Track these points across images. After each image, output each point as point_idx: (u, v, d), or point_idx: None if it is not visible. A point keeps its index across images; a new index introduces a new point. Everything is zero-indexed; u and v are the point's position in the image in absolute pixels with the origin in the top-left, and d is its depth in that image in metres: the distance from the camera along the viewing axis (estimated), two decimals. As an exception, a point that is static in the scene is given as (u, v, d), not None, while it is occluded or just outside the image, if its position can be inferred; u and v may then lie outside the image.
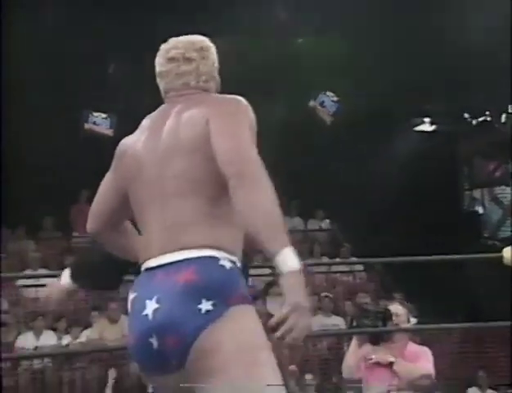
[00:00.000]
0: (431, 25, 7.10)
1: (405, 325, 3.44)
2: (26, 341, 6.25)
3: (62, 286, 2.27)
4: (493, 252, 3.65)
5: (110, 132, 7.25)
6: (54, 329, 6.44)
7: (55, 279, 2.33)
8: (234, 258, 1.61)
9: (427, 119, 8.68)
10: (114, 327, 6.21)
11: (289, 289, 1.44)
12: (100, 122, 7.39)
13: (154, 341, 1.56)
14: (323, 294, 7.06)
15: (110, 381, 5.95)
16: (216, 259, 1.58)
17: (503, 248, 3.14)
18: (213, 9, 6.85)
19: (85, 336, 6.31)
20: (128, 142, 1.79)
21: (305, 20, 7.52)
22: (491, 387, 6.36)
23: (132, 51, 7.27)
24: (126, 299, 1.71)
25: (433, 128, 8.71)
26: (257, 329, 1.57)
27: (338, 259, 7.13)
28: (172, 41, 1.81)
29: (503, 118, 8.09)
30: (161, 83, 1.80)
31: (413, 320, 3.52)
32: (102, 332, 6.23)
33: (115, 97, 7.55)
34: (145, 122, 1.79)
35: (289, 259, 1.44)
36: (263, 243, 1.48)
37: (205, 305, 1.53)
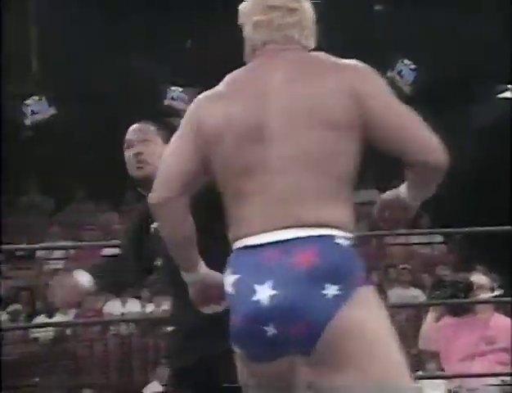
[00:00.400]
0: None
1: (488, 296, 3.33)
2: (113, 308, 6.56)
3: (81, 288, 2.13)
4: None
5: (187, 107, 7.34)
6: (138, 298, 6.71)
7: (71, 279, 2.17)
8: (350, 236, 1.48)
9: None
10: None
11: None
12: (178, 96, 7.51)
13: (270, 329, 1.43)
14: (401, 266, 6.97)
15: None
16: (333, 237, 1.44)
17: None
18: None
19: (167, 304, 6.54)
20: (208, 99, 1.56)
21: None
22: None
23: (209, 27, 7.32)
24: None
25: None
26: (384, 314, 1.48)
27: (416, 230, 7.01)
28: None
29: None
30: (256, 34, 1.57)
31: (498, 291, 3.40)
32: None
33: (193, 73, 7.65)
34: (232, 78, 1.56)
35: None
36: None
37: (331, 290, 1.42)
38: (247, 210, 1.48)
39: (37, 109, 6.76)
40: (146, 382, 5.78)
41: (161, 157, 1.65)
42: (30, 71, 6.94)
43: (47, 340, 6.15)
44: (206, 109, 1.54)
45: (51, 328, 6.17)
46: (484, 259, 6.30)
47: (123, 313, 6.52)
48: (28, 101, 6.68)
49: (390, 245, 7.41)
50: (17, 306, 6.32)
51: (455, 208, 7.21)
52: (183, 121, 1.60)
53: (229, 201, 1.52)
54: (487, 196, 7.60)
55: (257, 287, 1.43)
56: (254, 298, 1.43)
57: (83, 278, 2.11)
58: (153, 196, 1.55)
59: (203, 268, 1.61)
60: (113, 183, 7.40)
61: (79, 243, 6.69)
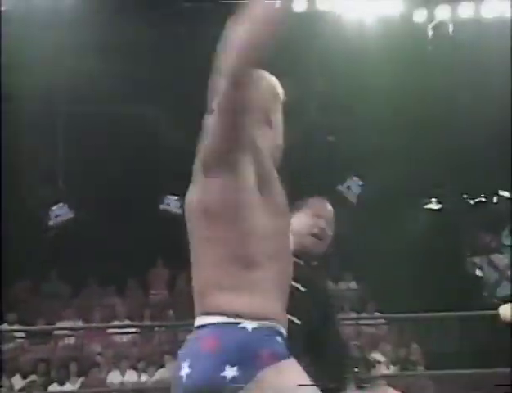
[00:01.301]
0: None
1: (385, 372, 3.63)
2: (114, 378, 7.21)
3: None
4: (491, 309, 3.73)
5: None
6: (135, 368, 7.37)
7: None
8: (258, 321, 1.48)
9: (434, 199, 9.56)
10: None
11: None
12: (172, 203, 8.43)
13: None
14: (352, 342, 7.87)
15: None
16: (235, 323, 1.47)
17: (499, 306, 3.12)
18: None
19: (159, 374, 7.29)
20: None
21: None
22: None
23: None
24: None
25: (439, 206, 9.68)
26: (294, 388, 1.41)
27: (364, 314, 8.08)
28: None
29: (495, 199, 9.16)
30: None
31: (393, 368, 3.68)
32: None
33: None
34: None
35: None
36: None
37: (230, 372, 1.42)
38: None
39: (59, 213, 7.72)
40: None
41: (309, 226, 2.05)
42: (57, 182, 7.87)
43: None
44: None
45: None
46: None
47: (122, 383, 7.21)
48: (54, 207, 7.66)
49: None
50: (34, 377, 6.95)
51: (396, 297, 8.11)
52: None
53: None
54: (417, 284, 8.28)
55: (182, 364, 1.49)
56: (180, 373, 1.49)
57: None
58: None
59: None
60: (118, 271, 8.22)
61: (87, 325, 7.44)
